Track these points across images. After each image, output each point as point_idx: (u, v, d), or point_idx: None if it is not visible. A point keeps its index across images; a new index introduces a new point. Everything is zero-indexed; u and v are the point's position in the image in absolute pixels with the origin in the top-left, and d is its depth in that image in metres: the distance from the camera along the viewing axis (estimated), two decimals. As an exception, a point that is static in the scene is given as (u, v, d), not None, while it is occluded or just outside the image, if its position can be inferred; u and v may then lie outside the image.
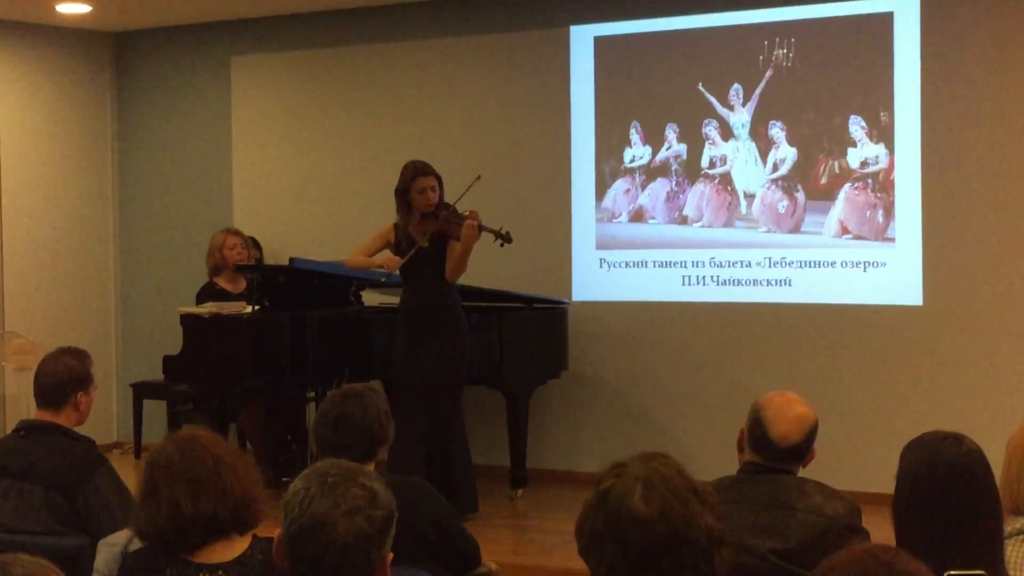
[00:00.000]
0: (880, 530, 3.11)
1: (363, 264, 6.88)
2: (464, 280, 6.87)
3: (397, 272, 6.73)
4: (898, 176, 7.23)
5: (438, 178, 6.69)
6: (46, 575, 1.93)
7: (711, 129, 7.71)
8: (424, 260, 6.64)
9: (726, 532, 2.13)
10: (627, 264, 7.93)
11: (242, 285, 8.10)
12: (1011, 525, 3.13)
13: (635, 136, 7.91)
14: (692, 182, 7.78)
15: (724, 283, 7.66)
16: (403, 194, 6.70)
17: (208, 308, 7.62)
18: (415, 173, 6.68)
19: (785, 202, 7.54)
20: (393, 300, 7.41)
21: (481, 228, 6.57)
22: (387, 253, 6.77)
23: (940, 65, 7.12)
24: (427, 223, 6.65)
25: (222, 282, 8.27)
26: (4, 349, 8.38)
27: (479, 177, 6.73)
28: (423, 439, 6.62)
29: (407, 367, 6.70)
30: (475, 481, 6.91)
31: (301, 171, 8.91)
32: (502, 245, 6.67)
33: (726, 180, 7.69)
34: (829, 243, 7.41)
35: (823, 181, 7.45)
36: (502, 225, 6.64)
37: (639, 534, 2.08)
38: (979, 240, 7.06)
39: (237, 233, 8.48)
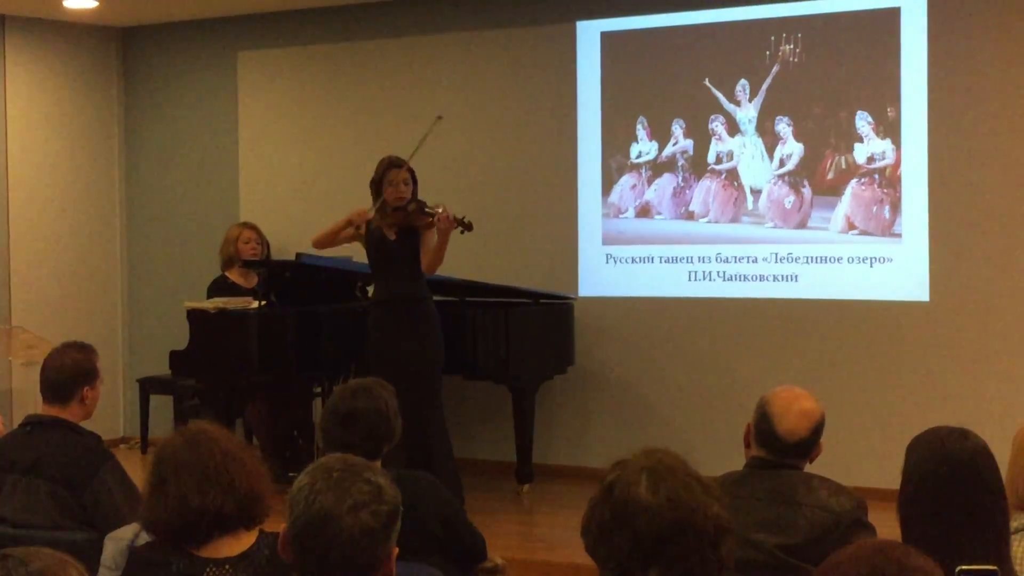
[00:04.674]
0: (886, 526, 3.11)
1: (330, 235, 6.75)
2: (469, 275, 6.85)
3: (366, 223, 6.66)
4: (905, 171, 7.22)
5: (412, 173, 6.68)
6: (65, 569, 1.92)
7: (718, 124, 7.70)
8: (394, 254, 6.61)
9: (732, 522, 2.13)
10: (633, 259, 7.92)
11: (254, 280, 8.02)
12: (1017, 520, 3.12)
13: (641, 131, 7.90)
14: (699, 177, 7.77)
15: (730, 279, 7.65)
16: (376, 185, 6.71)
17: (214, 303, 7.60)
18: (388, 165, 6.68)
19: (791, 198, 7.53)
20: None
21: (451, 219, 6.52)
22: (357, 209, 6.71)
23: (947, 60, 7.11)
24: (396, 216, 6.64)
25: (234, 276, 8.26)
26: (11, 344, 8.38)
27: (439, 117, 6.74)
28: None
29: (381, 364, 6.48)
30: (459, 475, 6.70)
31: (307, 167, 8.91)
32: (462, 232, 6.61)
33: (732, 176, 7.69)
34: (836, 239, 7.40)
35: (830, 177, 7.44)
36: (465, 214, 6.58)
37: (647, 522, 2.08)
38: (986, 235, 7.05)
39: (253, 228, 8.46)
